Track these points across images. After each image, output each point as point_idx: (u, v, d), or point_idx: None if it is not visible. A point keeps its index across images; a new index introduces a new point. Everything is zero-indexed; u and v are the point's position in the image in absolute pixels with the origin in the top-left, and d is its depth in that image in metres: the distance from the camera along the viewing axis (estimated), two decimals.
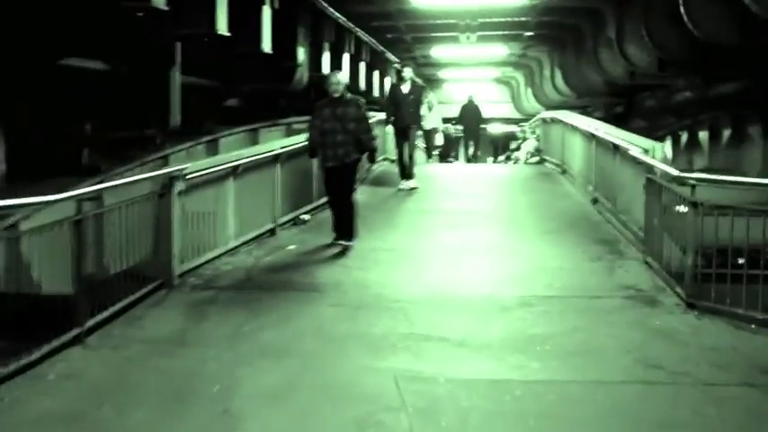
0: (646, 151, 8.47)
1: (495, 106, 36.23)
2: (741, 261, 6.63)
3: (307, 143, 9.48)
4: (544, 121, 19.32)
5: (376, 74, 25.01)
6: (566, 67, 22.39)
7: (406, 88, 13.10)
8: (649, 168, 8.17)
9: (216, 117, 17.65)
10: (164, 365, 5.64)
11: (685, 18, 11.05)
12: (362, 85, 22.45)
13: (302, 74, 15.53)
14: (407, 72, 13.20)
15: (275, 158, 10.00)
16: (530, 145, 22.20)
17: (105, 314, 6.47)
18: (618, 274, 7.89)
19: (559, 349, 5.87)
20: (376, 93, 25.03)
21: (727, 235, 6.63)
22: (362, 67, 21.95)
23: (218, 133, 16.90)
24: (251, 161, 9.29)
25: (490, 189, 14.04)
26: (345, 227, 9.12)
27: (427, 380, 5.27)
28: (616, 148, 10.14)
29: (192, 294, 7.40)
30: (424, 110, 15.67)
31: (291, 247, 9.35)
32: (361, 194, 13.25)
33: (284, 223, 10.32)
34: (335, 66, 18.05)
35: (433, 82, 34.17)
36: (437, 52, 25.96)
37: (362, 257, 8.70)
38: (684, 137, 18.13)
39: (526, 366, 5.54)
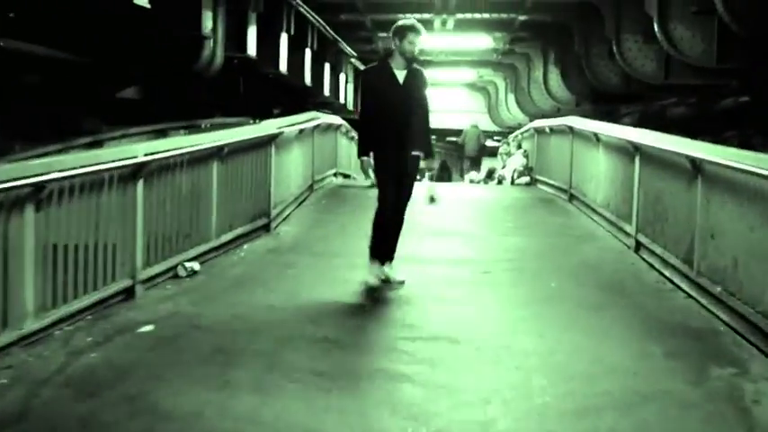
0: None
1: (467, 116, 33.33)
2: None
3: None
4: (537, 131, 16.13)
5: (327, 68, 20.99)
6: (567, 64, 19.13)
7: (402, 74, 6.74)
8: None
9: (105, 112, 14.50)
10: None
11: None
12: (308, 80, 18.31)
13: (214, 51, 11.71)
14: (415, 37, 6.61)
15: (136, 170, 6.29)
16: (516, 162, 18.89)
17: None
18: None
19: None
20: (327, 92, 21.12)
21: None
22: (308, 55, 17.88)
23: (104, 134, 13.76)
24: (83, 173, 5.61)
25: (478, 223, 10.43)
26: None
27: None
28: (697, 168, 6.62)
29: None
30: None
31: (148, 327, 5.69)
32: (300, 218, 9.48)
33: (153, 277, 6.71)
34: (269, 47, 14.18)
35: None
36: None
37: (275, 366, 4.98)
38: None
39: None
